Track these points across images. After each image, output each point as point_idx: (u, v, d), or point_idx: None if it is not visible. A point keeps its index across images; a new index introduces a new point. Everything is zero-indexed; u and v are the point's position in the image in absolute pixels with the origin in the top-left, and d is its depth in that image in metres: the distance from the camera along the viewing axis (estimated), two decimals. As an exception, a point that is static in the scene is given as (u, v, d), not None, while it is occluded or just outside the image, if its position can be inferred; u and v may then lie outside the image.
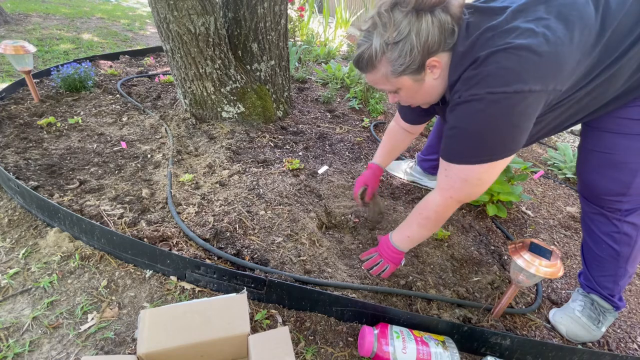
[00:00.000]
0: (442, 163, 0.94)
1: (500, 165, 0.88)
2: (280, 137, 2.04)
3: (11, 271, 1.12)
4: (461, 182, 0.92)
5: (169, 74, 2.64)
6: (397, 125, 1.37)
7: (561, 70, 0.76)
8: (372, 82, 0.95)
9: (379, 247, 1.26)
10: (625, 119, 0.91)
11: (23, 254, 1.18)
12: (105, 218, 1.29)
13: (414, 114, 1.27)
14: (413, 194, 1.76)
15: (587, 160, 1.03)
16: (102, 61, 2.83)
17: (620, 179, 0.97)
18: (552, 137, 2.96)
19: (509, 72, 0.75)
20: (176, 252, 1.14)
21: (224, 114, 2.03)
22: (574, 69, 0.78)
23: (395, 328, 1.02)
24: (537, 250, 1.02)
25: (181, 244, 1.22)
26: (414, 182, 1.85)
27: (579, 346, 1.16)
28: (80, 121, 1.93)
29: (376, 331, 1.01)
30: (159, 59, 3.19)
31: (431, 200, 1.03)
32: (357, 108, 2.59)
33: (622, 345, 1.22)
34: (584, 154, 1.04)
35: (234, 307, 0.90)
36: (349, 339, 1.06)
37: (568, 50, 0.75)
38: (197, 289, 1.13)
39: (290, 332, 1.01)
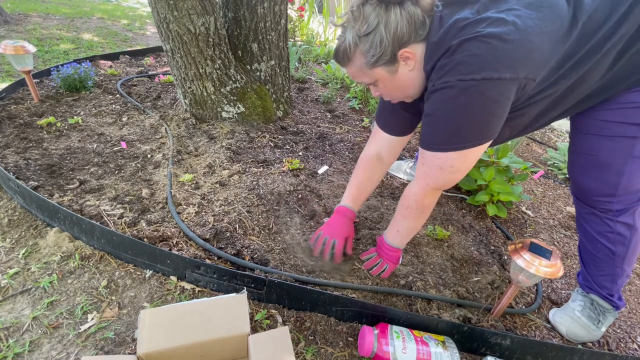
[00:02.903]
0: (420, 152, 0.97)
1: (474, 153, 0.88)
2: (280, 137, 2.04)
3: (11, 271, 1.12)
4: (436, 169, 0.93)
5: (169, 74, 2.64)
6: (373, 154, 1.22)
7: (532, 57, 0.77)
8: (351, 76, 0.97)
9: (377, 248, 1.26)
10: (606, 121, 0.92)
11: (23, 254, 1.18)
12: (105, 218, 1.29)
13: (399, 120, 1.16)
14: (413, 194, 1.75)
15: (575, 162, 1.05)
16: (102, 61, 2.83)
17: (607, 180, 0.97)
18: (552, 137, 2.96)
19: (479, 60, 0.76)
20: (176, 252, 1.14)
21: (224, 114, 2.03)
22: (546, 58, 0.79)
23: (395, 328, 1.02)
24: (537, 250, 1.02)
25: (181, 244, 1.22)
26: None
27: (579, 346, 1.16)
28: (80, 121, 1.93)
29: (376, 331, 1.01)
30: (159, 59, 3.19)
31: (410, 190, 1.05)
32: (357, 108, 2.59)
33: (622, 345, 1.22)
34: (572, 156, 1.06)
35: (234, 307, 0.90)
36: (349, 339, 1.06)
37: (539, 38, 0.75)
38: (197, 289, 1.13)
39: (290, 332, 1.00)
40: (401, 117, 1.15)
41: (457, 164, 0.90)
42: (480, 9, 0.80)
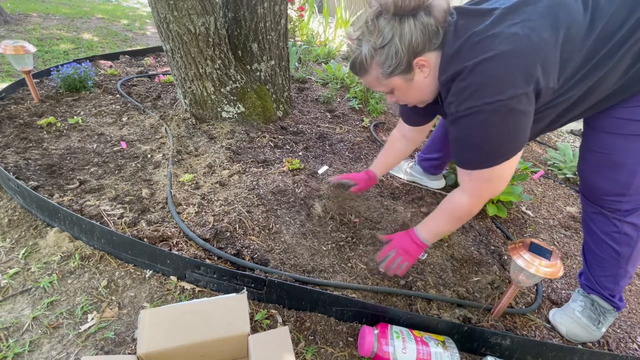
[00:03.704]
0: (461, 171, 0.99)
1: (515, 159, 0.92)
2: (280, 137, 2.04)
3: (11, 271, 1.12)
4: (486, 182, 0.96)
5: (169, 74, 2.64)
6: (398, 134, 1.38)
7: (547, 69, 0.80)
8: (368, 85, 1.01)
9: (397, 244, 1.18)
10: (622, 119, 0.92)
11: (23, 254, 1.18)
12: (105, 218, 1.29)
13: (415, 116, 1.26)
14: (413, 194, 1.76)
15: (586, 160, 1.05)
16: (102, 61, 2.83)
17: (619, 180, 0.97)
18: (552, 137, 2.96)
19: (500, 81, 0.79)
20: (176, 252, 1.14)
21: (224, 114, 2.03)
22: (562, 66, 0.81)
23: (395, 328, 1.02)
24: (537, 250, 1.02)
25: (181, 244, 1.22)
26: (414, 182, 1.85)
27: (579, 346, 1.16)
28: (80, 121, 1.93)
29: (376, 331, 1.01)
30: (159, 59, 3.19)
31: (463, 203, 1.03)
32: (357, 108, 2.59)
33: (622, 345, 1.22)
34: (584, 154, 1.06)
35: (234, 307, 0.90)
36: (349, 339, 1.06)
37: (553, 49, 0.78)
38: (197, 289, 1.13)
39: (290, 332, 1.00)
40: (415, 115, 1.24)
41: (503, 173, 0.94)
42: (495, 21, 0.81)
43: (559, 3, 0.80)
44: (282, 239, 1.34)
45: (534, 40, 0.77)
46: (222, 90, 1.95)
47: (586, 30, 0.80)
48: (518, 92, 0.79)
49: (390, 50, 0.87)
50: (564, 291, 1.39)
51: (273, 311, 1.09)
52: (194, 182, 1.57)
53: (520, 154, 0.92)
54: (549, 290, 1.38)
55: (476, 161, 0.93)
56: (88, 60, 2.54)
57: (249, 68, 2.07)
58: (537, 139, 2.82)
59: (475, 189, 0.99)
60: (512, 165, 0.92)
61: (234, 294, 0.98)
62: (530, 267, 0.99)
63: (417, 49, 0.86)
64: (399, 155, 1.43)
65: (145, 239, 1.20)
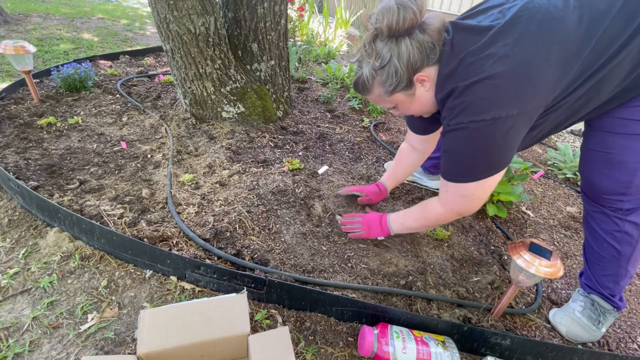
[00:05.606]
0: (442, 180, 1.04)
1: (491, 180, 0.95)
2: (280, 137, 2.04)
3: (11, 271, 1.12)
4: (459, 197, 1.02)
5: (169, 74, 2.64)
6: (407, 146, 1.41)
7: (537, 90, 0.82)
8: (373, 102, 1.07)
9: (365, 220, 1.36)
10: (623, 119, 0.93)
11: (23, 254, 1.18)
12: (105, 218, 1.29)
13: (422, 124, 1.28)
14: (413, 194, 1.76)
15: (588, 160, 1.05)
16: (102, 61, 2.83)
17: (620, 179, 0.98)
18: (552, 137, 2.96)
19: (486, 102, 0.82)
20: (176, 252, 1.14)
21: (224, 114, 2.03)
22: (554, 83, 0.83)
23: (395, 328, 1.02)
24: (537, 250, 1.02)
25: (181, 244, 1.22)
26: (414, 182, 1.85)
27: (579, 346, 1.16)
28: (80, 121, 1.93)
29: (376, 331, 1.01)
30: (159, 59, 3.19)
31: (435, 209, 1.12)
32: (357, 108, 2.59)
33: (622, 345, 1.22)
34: (585, 153, 1.06)
35: (234, 307, 0.90)
36: (349, 339, 1.06)
37: (543, 69, 0.80)
38: (197, 289, 1.13)
39: (290, 332, 1.00)
40: (421, 122, 1.26)
41: (477, 192, 0.98)
42: (488, 41, 0.83)
43: (553, 19, 0.80)
44: (282, 239, 1.34)
45: (524, 62, 0.79)
46: (222, 90, 1.95)
47: (579, 44, 0.81)
48: (502, 114, 0.81)
49: (390, 70, 0.90)
50: (564, 291, 1.39)
51: (273, 311, 1.09)
52: (194, 182, 1.57)
53: (497, 178, 0.95)
54: (549, 290, 1.38)
55: (454, 174, 0.99)
56: (88, 60, 2.54)
57: (249, 68, 2.07)
58: (537, 139, 2.81)
59: (449, 200, 1.05)
60: (485, 186, 0.97)
61: (234, 294, 0.98)
62: (530, 267, 0.99)
63: (416, 65, 0.90)
64: (409, 168, 1.47)
65: (145, 239, 1.20)
